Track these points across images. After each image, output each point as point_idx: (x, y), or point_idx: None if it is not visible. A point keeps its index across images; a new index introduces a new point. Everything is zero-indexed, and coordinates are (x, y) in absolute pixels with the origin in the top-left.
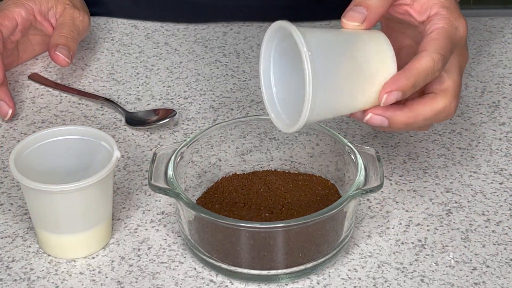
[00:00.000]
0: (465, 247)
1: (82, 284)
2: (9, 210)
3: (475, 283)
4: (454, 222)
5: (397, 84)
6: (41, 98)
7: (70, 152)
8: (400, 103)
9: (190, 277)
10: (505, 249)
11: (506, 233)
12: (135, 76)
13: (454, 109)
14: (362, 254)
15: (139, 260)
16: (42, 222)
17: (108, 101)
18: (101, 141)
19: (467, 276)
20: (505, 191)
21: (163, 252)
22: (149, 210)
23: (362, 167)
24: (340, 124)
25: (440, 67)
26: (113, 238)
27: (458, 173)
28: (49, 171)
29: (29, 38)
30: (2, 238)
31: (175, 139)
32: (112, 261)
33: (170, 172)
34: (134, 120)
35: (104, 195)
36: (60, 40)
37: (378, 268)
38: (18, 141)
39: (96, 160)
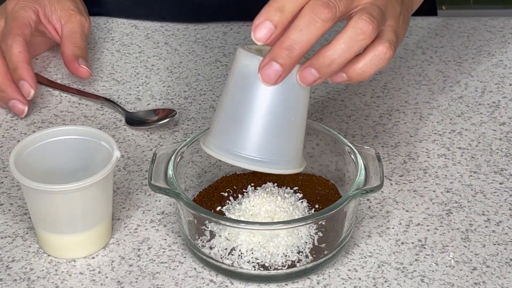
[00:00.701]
0: (465, 247)
1: (82, 284)
2: (9, 210)
3: (475, 283)
4: (454, 222)
5: (259, 17)
6: (41, 98)
7: (70, 152)
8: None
9: (190, 277)
10: (505, 249)
11: (506, 233)
12: (135, 76)
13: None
14: (362, 254)
15: (139, 260)
16: (42, 222)
17: (108, 101)
18: (101, 141)
19: (467, 276)
20: (505, 191)
21: (163, 252)
22: (149, 210)
23: (362, 167)
24: (340, 124)
25: None
26: (113, 238)
27: (458, 173)
28: (49, 171)
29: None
30: (2, 238)
31: (175, 139)
32: (112, 261)
33: (170, 172)
34: (134, 120)
35: (104, 195)
36: (78, 52)
37: (378, 268)
38: (18, 141)
39: (96, 160)
